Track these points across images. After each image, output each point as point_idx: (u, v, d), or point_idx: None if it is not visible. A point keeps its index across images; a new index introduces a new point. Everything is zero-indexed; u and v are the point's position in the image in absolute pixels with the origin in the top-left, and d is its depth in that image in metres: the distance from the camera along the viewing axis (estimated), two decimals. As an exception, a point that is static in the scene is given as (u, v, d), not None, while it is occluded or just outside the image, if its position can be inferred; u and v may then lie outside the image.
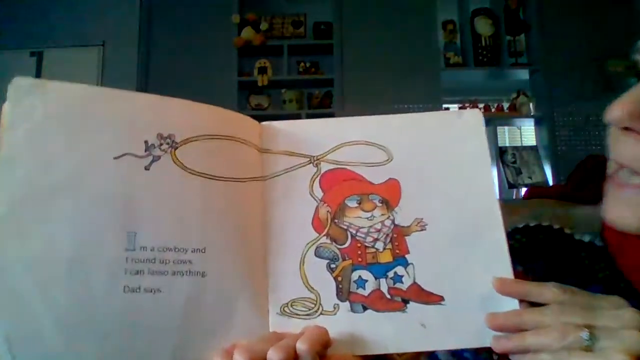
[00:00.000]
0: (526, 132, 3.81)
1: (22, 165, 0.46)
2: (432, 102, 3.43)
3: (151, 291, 0.46)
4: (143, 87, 3.48)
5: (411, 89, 3.45)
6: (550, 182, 3.37)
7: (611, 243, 0.60)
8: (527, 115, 3.57)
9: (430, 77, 3.49)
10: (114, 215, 0.47)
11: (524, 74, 3.68)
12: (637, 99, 0.48)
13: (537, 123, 3.63)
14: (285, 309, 0.50)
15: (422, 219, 0.53)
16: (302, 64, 3.60)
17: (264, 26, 3.58)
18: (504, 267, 0.50)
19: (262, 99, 3.61)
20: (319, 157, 0.56)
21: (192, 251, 0.48)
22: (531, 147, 3.54)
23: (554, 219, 0.65)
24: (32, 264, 0.44)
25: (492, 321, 0.47)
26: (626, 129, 0.48)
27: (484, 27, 3.58)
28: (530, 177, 3.37)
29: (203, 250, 0.48)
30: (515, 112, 3.55)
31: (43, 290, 0.43)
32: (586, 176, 1.84)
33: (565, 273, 0.60)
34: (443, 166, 0.55)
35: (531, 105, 3.56)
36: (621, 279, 0.57)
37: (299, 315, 0.50)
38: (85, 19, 3.61)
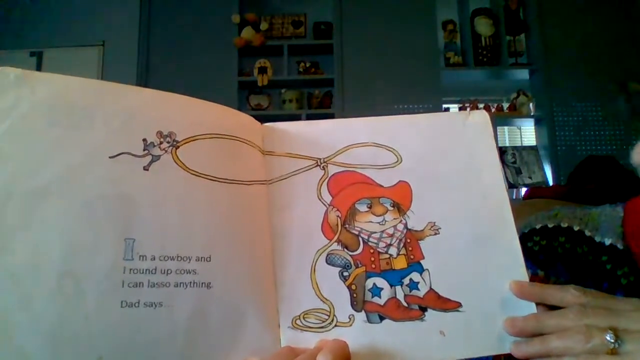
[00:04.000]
0: (526, 132, 3.79)
1: (6, 164, 0.41)
2: (432, 102, 3.41)
3: (151, 305, 0.41)
4: (143, 87, 3.43)
5: (411, 89, 3.43)
6: (550, 182, 3.35)
7: (636, 248, 0.57)
8: (527, 115, 3.55)
9: (430, 77, 3.47)
10: (109, 220, 0.43)
11: (524, 74, 3.65)
12: None
13: (537, 123, 3.60)
14: (297, 321, 0.47)
15: (434, 222, 0.51)
16: (302, 64, 3.58)
17: (264, 26, 3.56)
18: (519, 270, 0.49)
19: (262, 99, 3.59)
20: (326, 159, 0.53)
21: (196, 260, 0.44)
22: (531, 147, 3.51)
23: (574, 220, 0.62)
24: (16, 276, 0.39)
25: (511, 326, 0.45)
26: None
27: (484, 27, 3.55)
28: (530, 177, 3.34)
29: (208, 259, 0.45)
30: (515, 112, 3.53)
31: (28, 306, 0.38)
32: (586, 176, 1.83)
33: (586, 277, 0.58)
34: (452, 168, 0.53)
35: (531, 105, 3.53)
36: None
37: (312, 328, 0.47)
38: (85, 19, 3.59)
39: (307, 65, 3.58)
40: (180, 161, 0.46)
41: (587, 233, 0.61)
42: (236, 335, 0.44)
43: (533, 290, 0.47)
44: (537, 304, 0.46)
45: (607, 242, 0.59)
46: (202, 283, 0.44)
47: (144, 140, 0.46)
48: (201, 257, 0.44)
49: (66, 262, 0.40)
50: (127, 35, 3.58)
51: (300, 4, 3.66)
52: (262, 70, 3.53)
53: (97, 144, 0.44)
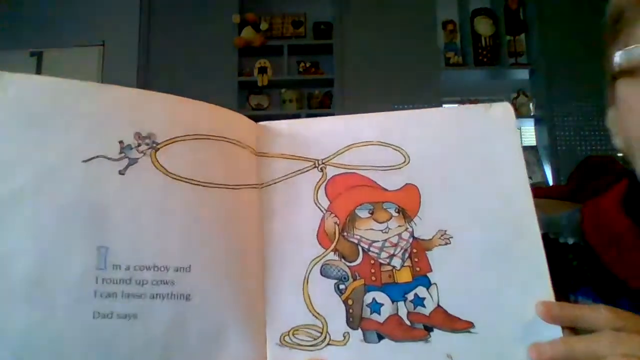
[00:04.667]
0: (526, 132, 3.75)
1: None
2: (432, 102, 3.39)
3: (125, 317, 0.39)
4: (143, 87, 3.43)
5: (411, 89, 3.40)
6: (550, 182, 3.32)
7: (595, 243, 0.56)
8: (527, 115, 3.53)
9: (430, 77, 3.45)
10: (82, 227, 0.40)
11: (524, 74, 3.64)
12: None
13: (537, 123, 3.58)
14: (286, 338, 0.42)
15: (445, 231, 0.45)
16: (302, 64, 3.57)
17: (264, 26, 3.55)
18: (544, 287, 0.42)
19: (262, 99, 3.58)
20: (324, 161, 0.48)
21: (174, 270, 0.41)
22: (531, 147, 3.49)
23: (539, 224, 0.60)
24: None
25: (538, 352, 0.40)
26: None
27: (484, 27, 3.55)
28: (530, 177, 3.32)
29: (188, 269, 0.41)
30: (515, 112, 3.49)
31: None
32: (586, 176, 1.79)
33: (555, 277, 0.55)
34: (469, 169, 0.47)
35: (531, 105, 3.52)
36: (610, 277, 0.53)
37: (302, 345, 0.42)
38: (85, 19, 3.57)
39: (307, 65, 3.57)
40: (160, 164, 0.43)
41: (551, 235, 0.58)
42: (217, 351, 0.41)
43: (563, 313, 0.41)
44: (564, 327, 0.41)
45: (571, 241, 0.58)
46: (180, 295, 0.40)
47: (121, 142, 0.42)
48: (180, 267, 0.41)
49: (36, 270, 0.38)
50: (127, 35, 3.58)
51: (300, 4, 3.64)
52: (262, 70, 3.52)
53: (71, 147, 0.41)
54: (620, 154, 0.59)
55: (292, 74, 3.56)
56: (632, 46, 0.51)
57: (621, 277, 0.52)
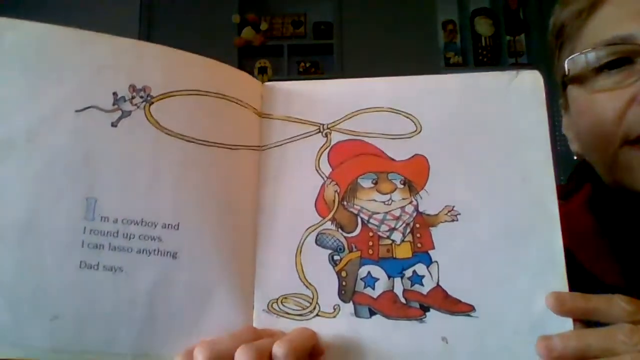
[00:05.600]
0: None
1: None
2: (432, 102, 3.37)
3: (111, 270, 0.39)
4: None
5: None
6: None
7: (568, 243, 0.55)
8: None
9: (430, 77, 3.44)
10: (72, 177, 0.39)
11: None
12: None
13: None
14: (274, 305, 0.41)
15: (453, 206, 0.42)
16: (302, 64, 3.53)
17: (264, 26, 3.52)
18: (558, 278, 0.39)
19: (261, 99, 3.58)
20: (329, 126, 0.46)
21: (162, 227, 0.40)
22: None
23: None
24: None
25: (547, 349, 0.36)
26: None
27: (484, 27, 3.48)
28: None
29: (176, 227, 0.40)
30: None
31: None
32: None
33: None
34: (487, 142, 0.43)
35: None
36: (586, 274, 0.52)
37: (290, 314, 0.41)
38: (85, 19, 3.55)
39: (307, 65, 3.53)
40: (154, 119, 0.41)
41: None
42: (202, 312, 0.40)
43: (576, 305, 0.38)
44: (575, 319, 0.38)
45: None
46: (167, 252, 0.40)
47: (114, 94, 0.41)
48: (168, 225, 0.40)
49: (26, 216, 0.38)
50: (127, 34, 3.50)
51: (300, 4, 3.59)
52: (262, 71, 3.50)
53: (65, 96, 0.41)
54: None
55: (292, 74, 3.51)
56: (576, 54, 0.55)
57: (596, 273, 0.52)
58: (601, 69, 0.53)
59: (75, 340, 0.38)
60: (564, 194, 0.65)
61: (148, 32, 3.57)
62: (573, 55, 0.55)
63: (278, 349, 0.36)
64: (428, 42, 3.44)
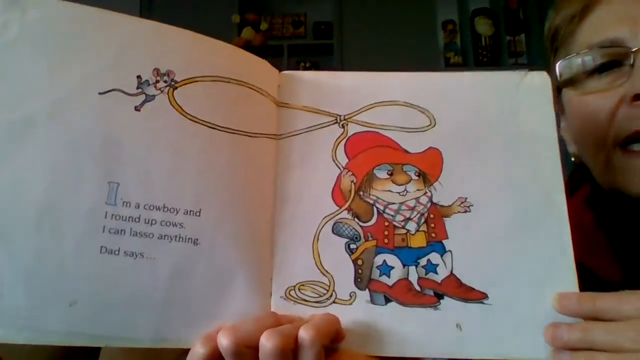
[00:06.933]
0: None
1: None
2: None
3: (132, 255, 0.38)
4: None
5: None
6: None
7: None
8: None
9: (430, 77, 3.43)
10: (94, 160, 0.39)
11: None
12: None
13: None
14: (292, 292, 0.42)
15: (466, 198, 0.44)
16: (302, 64, 3.51)
17: (264, 26, 3.50)
18: (567, 267, 0.41)
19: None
20: (347, 117, 0.46)
21: (184, 213, 0.40)
22: None
23: None
24: None
25: (552, 338, 0.38)
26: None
27: (484, 27, 3.49)
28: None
29: (198, 213, 0.40)
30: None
31: (6, 239, 0.37)
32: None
33: None
34: (498, 137, 0.45)
35: None
36: (583, 270, 0.51)
37: (307, 301, 0.41)
38: None
39: (307, 65, 3.51)
40: (177, 104, 0.41)
41: None
42: (221, 297, 0.40)
43: (583, 308, 0.38)
44: None
45: None
46: (188, 238, 0.40)
47: (139, 77, 0.41)
48: (190, 211, 0.40)
49: (47, 198, 0.38)
50: None
51: (300, 4, 3.58)
52: (262, 71, 3.49)
53: (88, 77, 0.40)
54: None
55: (292, 74, 3.54)
56: (569, 56, 0.57)
57: (593, 269, 0.53)
58: (592, 71, 0.55)
59: (93, 325, 0.38)
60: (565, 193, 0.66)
61: None
62: (564, 59, 0.57)
63: (305, 334, 0.36)
64: (428, 42, 3.44)
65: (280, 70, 0.47)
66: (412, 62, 3.36)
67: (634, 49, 0.51)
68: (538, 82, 0.47)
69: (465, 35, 3.55)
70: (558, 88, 0.60)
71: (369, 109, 0.47)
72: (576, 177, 0.66)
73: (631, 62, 0.51)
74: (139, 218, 0.39)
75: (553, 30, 0.62)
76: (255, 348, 0.36)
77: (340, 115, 0.47)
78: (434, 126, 0.46)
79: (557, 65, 0.58)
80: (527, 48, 3.55)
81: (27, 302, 0.37)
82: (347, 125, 0.46)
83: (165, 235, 0.39)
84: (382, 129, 0.46)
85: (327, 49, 3.47)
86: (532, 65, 3.47)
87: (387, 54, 3.40)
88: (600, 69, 0.54)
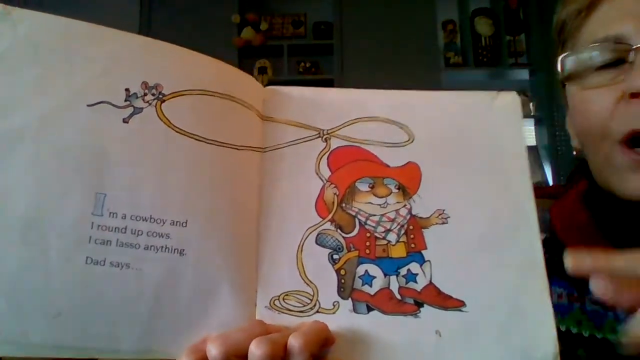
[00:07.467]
0: (526, 132, 3.75)
1: None
2: (432, 102, 3.36)
3: (118, 266, 0.38)
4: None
5: (411, 89, 3.36)
6: (550, 182, 3.30)
7: (563, 237, 0.59)
8: (527, 115, 3.49)
9: (430, 77, 3.41)
10: (81, 172, 0.39)
11: (524, 74, 3.62)
12: None
13: (537, 123, 3.57)
14: (276, 302, 0.42)
15: (443, 210, 0.46)
16: (302, 64, 3.53)
17: (264, 26, 3.50)
18: (538, 276, 0.43)
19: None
20: (329, 131, 0.48)
21: (170, 223, 0.40)
22: (531, 147, 3.46)
23: None
24: None
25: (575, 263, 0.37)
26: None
27: (484, 27, 3.52)
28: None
29: (184, 224, 0.41)
30: (515, 111, 3.49)
31: None
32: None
33: None
34: (472, 153, 0.48)
35: (531, 105, 3.49)
36: None
37: (292, 311, 0.42)
38: (85, 18, 3.51)
39: (307, 65, 3.54)
40: (165, 116, 0.42)
41: None
42: (207, 307, 0.40)
43: (598, 264, 0.36)
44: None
45: (542, 237, 0.60)
46: (174, 249, 0.40)
47: (127, 90, 0.41)
48: (176, 222, 0.40)
49: (33, 210, 0.38)
50: None
51: (300, 4, 3.61)
52: (262, 71, 3.49)
53: (76, 89, 0.41)
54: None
55: (292, 74, 3.51)
56: (571, 52, 0.58)
57: None
58: (595, 67, 0.55)
59: (78, 337, 0.37)
60: (560, 194, 0.67)
61: (148, 31, 3.45)
62: (565, 54, 0.58)
63: (294, 341, 0.37)
64: (428, 42, 3.44)
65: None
66: (412, 62, 3.38)
67: (635, 46, 0.52)
68: (509, 101, 0.49)
69: (465, 35, 3.57)
70: (562, 83, 0.61)
71: (351, 124, 0.48)
72: (577, 173, 0.67)
73: (632, 59, 0.52)
74: (125, 229, 0.39)
75: (560, 23, 0.62)
76: (245, 357, 0.36)
77: (323, 130, 0.48)
78: (412, 141, 0.48)
79: (560, 60, 0.58)
80: (527, 48, 3.59)
81: (11, 314, 0.36)
82: (329, 139, 0.48)
83: (151, 246, 0.39)
84: (364, 143, 0.48)
85: (327, 49, 3.47)
86: (532, 65, 3.50)
87: (387, 54, 3.42)
88: (602, 65, 0.55)
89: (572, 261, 0.37)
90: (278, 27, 3.55)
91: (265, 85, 0.48)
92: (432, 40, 3.48)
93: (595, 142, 0.56)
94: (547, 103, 3.42)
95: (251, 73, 3.40)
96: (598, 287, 0.36)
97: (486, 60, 3.50)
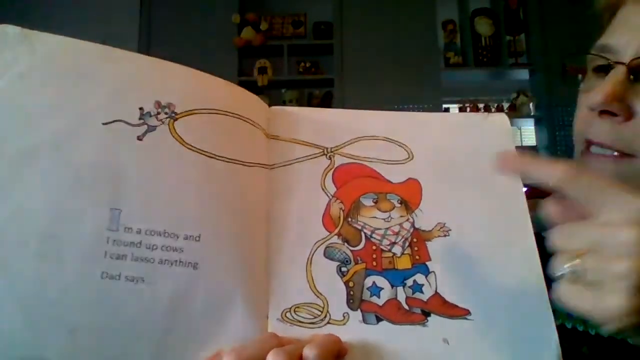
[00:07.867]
0: (526, 132, 3.76)
1: None
2: (432, 102, 3.37)
3: (133, 280, 0.39)
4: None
5: (411, 89, 3.39)
6: None
7: None
8: (527, 116, 3.53)
9: (430, 77, 3.43)
10: (96, 188, 0.40)
11: (524, 74, 3.64)
12: (613, 85, 0.51)
13: (537, 123, 3.59)
14: (287, 314, 0.43)
15: (444, 223, 0.48)
16: (302, 64, 3.55)
17: (264, 26, 3.52)
18: (536, 281, 0.45)
19: (262, 99, 3.51)
20: (333, 149, 0.51)
21: (184, 238, 0.41)
22: (531, 147, 3.49)
23: None
24: None
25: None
26: (603, 112, 0.52)
27: (484, 27, 3.53)
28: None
29: (197, 238, 0.42)
30: (515, 112, 3.49)
31: (6, 267, 0.37)
32: None
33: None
34: (468, 169, 0.51)
35: (531, 105, 3.51)
36: None
37: (303, 323, 0.43)
38: (85, 18, 3.48)
39: (307, 65, 3.55)
40: (177, 134, 0.43)
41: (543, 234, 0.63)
42: (220, 321, 0.41)
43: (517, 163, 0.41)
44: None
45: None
46: (188, 263, 0.41)
47: (141, 109, 0.43)
48: (190, 236, 0.41)
49: (49, 225, 0.38)
50: (127, 34, 3.49)
51: (300, 4, 3.62)
52: (262, 71, 3.49)
53: (92, 108, 0.42)
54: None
55: (292, 74, 3.53)
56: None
57: None
58: (592, 70, 0.57)
59: (93, 352, 0.38)
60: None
61: (148, 31, 3.48)
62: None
63: (310, 352, 0.38)
64: (428, 42, 3.45)
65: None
66: (412, 62, 3.38)
67: (613, 61, 0.53)
68: (498, 122, 0.53)
69: (465, 35, 3.57)
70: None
71: (354, 142, 0.51)
72: None
73: (610, 72, 0.53)
74: (140, 243, 0.40)
75: (599, 12, 0.63)
76: None
77: (327, 148, 0.50)
78: (412, 159, 0.51)
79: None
80: (527, 48, 3.59)
81: (27, 329, 0.37)
82: (333, 156, 0.50)
83: (165, 260, 0.40)
84: (366, 160, 0.51)
85: (327, 49, 3.48)
86: (532, 65, 3.51)
87: (387, 54, 3.42)
88: (596, 69, 0.57)
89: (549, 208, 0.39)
90: (278, 27, 3.56)
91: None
92: (432, 40, 3.48)
93: (576, 143, 0.58)
94: (546, 103, 3.42)
95: (251, 73, 3.37)
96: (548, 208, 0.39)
97: (486, 60, 3.51)
